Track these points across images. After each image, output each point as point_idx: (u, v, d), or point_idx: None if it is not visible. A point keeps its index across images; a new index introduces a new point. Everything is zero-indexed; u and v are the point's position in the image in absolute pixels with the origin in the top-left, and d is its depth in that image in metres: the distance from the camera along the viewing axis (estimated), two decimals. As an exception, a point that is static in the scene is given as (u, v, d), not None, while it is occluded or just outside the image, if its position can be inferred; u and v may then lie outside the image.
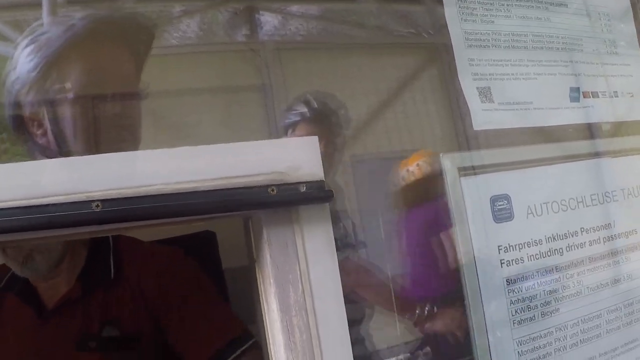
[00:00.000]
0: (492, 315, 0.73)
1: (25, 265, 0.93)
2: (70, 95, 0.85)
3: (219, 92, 1.04)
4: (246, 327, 1.01)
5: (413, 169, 0.92)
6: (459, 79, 0.76)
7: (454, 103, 0.99)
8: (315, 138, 0.64)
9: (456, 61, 0.82)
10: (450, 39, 0.82)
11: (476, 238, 0.73)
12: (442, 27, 0.86)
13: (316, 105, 1.04)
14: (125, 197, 0.60)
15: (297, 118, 1.05)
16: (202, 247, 1.25)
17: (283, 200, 0.62)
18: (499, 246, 0.74)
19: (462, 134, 0.80)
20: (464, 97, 0.76)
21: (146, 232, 1.15)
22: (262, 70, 1.07)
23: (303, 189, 0.62)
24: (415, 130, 1.03)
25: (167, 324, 1.00)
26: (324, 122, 1.04)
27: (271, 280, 0.62)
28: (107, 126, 0.86)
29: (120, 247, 1.04)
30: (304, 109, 1.04)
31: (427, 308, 0.96)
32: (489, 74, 0.78)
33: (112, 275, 1.00)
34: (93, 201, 0.60)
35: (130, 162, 0.62)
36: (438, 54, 1.04)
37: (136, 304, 0.99)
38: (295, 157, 0.63)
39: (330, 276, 0.63)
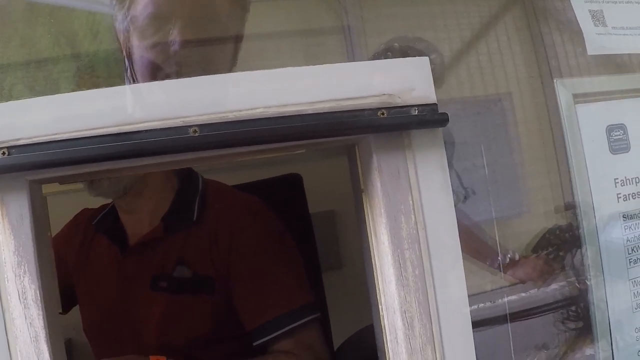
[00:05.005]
0: (608, 253, 0.65)
1: (92, 186, 0.89)
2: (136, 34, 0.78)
3: (299, 36, 0.97)
4: (311, 299, 0.93)
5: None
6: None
7: (539, 44, 0.90)
8: (427, 58, 0.56)
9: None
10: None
11: (592, 169, 0.65)
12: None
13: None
14: (224, 122, 0.53)
15: None
16: (289, 189, 1.19)
17: (394, 124, 0.53)
18: (615, 179, 0.66)
19: (572, 59, 0.71)
20: (577, 21, 0.67)
21: (233, 175, 1.09)
22: (342, 14, 0.99)
23: (415, 112, 0.54)
24: (499, 74, 0.94)
25: (233, 277, 0.93)
26: None
27: (382, 211, 0.54)
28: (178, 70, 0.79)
29: (208, 191, 0.98)
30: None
31: (508, 255, 0.89)
32: (601, -4, 0.69)
33: (195, 218, 0.94)
34: (190, 126, 0.53)
35: (229, 85, 0.54)
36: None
37: (211, 249, 0.93)
38: (406, 79, 0.55)
39: (445, 207, 0.55)
